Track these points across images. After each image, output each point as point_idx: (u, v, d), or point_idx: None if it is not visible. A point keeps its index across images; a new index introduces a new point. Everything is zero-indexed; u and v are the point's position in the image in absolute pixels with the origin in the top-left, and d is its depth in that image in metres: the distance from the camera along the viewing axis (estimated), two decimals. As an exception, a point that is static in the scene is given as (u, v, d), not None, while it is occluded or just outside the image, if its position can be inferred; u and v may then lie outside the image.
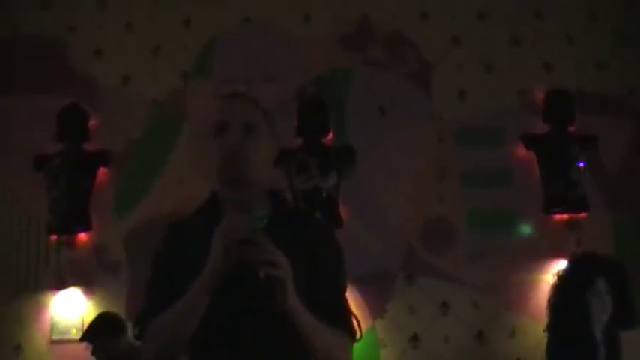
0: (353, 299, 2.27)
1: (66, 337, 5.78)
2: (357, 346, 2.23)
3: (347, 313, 2.15)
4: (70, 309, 5.85)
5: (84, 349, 5.29)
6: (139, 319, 2.12)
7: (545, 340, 3.86)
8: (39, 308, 5.89)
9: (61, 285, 5.90)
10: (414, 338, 5.62)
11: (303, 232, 2.15)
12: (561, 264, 4.23)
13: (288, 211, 2.23)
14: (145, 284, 2.19)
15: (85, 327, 5.17)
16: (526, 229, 5.76)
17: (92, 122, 6.15)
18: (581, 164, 5.75)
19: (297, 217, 2.24)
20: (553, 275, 3.89)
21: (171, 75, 6.23)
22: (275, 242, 1.95)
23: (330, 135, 5.94)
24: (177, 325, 1.99)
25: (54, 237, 5.99)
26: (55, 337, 5.82)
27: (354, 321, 2.14)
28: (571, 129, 5.85)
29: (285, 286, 1.90)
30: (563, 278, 3.81)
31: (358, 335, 2.15)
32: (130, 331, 5.00)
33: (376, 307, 5.63)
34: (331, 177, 5.78)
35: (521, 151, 5.87)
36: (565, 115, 5.83)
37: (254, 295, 1.98)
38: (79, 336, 5.40)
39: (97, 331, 4.96)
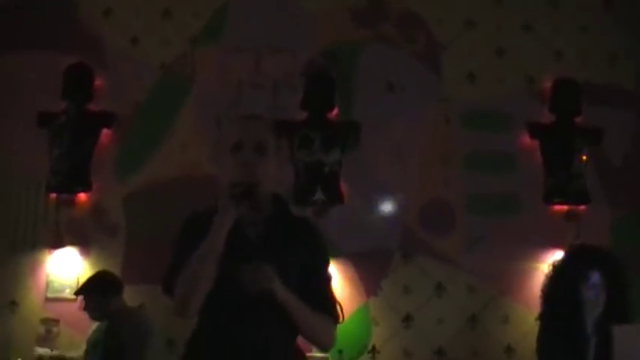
0: (348, 275, 2.44)
1: (61, 295, 5.81)
2: (349, 322, 2.49)
3: (333, 302, 2.58)
4: (66, 268, 5.87)
5: (78, 309, 5.32)
6: (165, 278, 2.49)
7: (537, 329, 3.86)
8: (35, 266, 5.93)
9: (57, 244, 5.91)
10: (407, 318, 5.64)
11: (300, 233, 2.58)
12: (558, 254, 4.23)
13: (287, 213, 2.62)
14: (167, 267, 2.51)
15: (81, 283, 5.19)
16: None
17: (98, 82, 6.14)
18: (585, 156, 5.73)
19: (294, 219, 2.64)
20: (549, 265, 3.88)
21: (180, 39, 6.20)
22: (274, 239, 2.48)
23: (336, 110, 5.92)
24: (197, 271, 2.37)
25: (53, 196, 6.00)
26: (50, 295, 5.85)
27: (338, 308, 2.58)
28: (577, 120, 5.82)
29: (274, 291, 2.37)
30: (557, 269, 3.80)
31: (341, 319, 2.58)
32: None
33: (371, 285, 5.65)
34: (334, 152, 5.77)
35: (526, 139, 5.84)
36: (571, 106, 5.80)
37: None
38: (72, 295, 5.45)
39: (91, 288, 4.99)
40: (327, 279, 2.62)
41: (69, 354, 5.25)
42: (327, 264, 2.63)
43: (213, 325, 2.48)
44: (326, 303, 2.56)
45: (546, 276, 3.86)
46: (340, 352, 5.25)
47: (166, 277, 2.50)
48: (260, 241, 2.49)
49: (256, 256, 2.40)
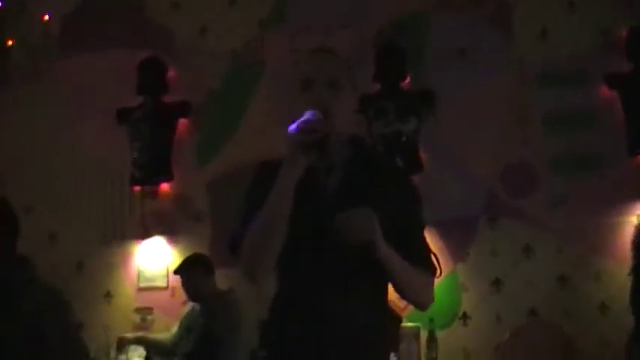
0: (434, 243, 2.32)
1: (152, 284, 5.96)
2: (439, 290, 2.36)
3: (427, 251, 2.30)
4: (155, 258, 6.02)
5: (169, 296, 5.52)
6: (232, 236, 2.24)
7: (629, 284, 3.79)
8: (126, 257, 6.10)
9: (145, 235, 6.05)
10: (496, 282, 5.58)
11: (384, 177, 2.28)
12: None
13: (369, 156, 2.36)
14: (239, 217, 2.29)
15: (179, 263, 5.33)
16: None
17: (171, 74, 6.24)
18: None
19: (378, 162, 2.39)
20: (638, 217, 3.80)
21: (248, 25, 6.24)
22: (357, 187, 2.19)
23: (408, 79, 5.88)
24: (263, 228, 2.12)
25: (137, 188, 6.14)
26: (142, 284, 6.00)
27: (434, 259, 2.30)
28: (657, 66, 5.65)
29: (377, 244, 2.08)
30: (648, 219, 3.73)
31: (438, 272, 2.30)
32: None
33: (458, 251, 5.60)
34: (410, 121, 5.74)
35: (605, 92, 5.69)
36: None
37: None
38: (164, 284, 5.63)
39: (190, 267, 5.14)
40: (422, 227, 2.34)
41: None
42: (420, 210, 2.34)
43: (290, 289, 2.24)
44: (422, 255, 2.28)
45: (636, 228, 3.78)
46: (431, 320, 5.24)
47: (234, 235, 2.24)
48: (338, 193, 2.21)
49: (334, 210, 2.09)
